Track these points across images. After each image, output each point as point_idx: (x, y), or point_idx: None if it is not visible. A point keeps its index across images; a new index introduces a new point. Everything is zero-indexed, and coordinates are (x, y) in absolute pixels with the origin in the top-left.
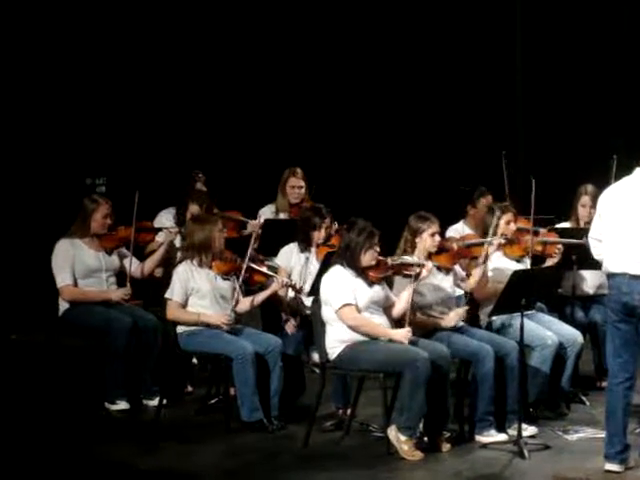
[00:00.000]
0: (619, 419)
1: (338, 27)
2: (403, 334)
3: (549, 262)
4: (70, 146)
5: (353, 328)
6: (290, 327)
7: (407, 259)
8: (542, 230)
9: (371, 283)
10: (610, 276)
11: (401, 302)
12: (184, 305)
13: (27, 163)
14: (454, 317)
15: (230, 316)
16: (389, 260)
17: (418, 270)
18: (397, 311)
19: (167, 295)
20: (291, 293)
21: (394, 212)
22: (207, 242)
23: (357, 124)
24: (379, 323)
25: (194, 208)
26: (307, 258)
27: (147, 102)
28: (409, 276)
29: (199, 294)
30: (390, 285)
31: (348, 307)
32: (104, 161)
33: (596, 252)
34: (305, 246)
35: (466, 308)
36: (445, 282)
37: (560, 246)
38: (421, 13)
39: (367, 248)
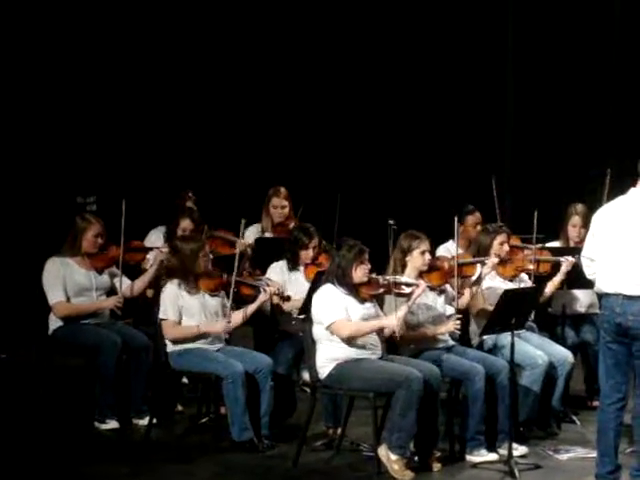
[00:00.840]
0: (610, 439)
1: (325, 49)
2: (392, 322)
3: (556, 279)
4: (61, 164)
5: (350, 338)
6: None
7: (401, 279)
8: (532, 247)
9: (362, 300)
10: (603, 296)
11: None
12: (179, 323)
13: (18, 181)
14: (447, 326)
15: (228, 323)
16: (381, 279)
17: (410, 290)
18: (387, 329)
19: (161, 316)
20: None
21: (384, 231)
22: (189, 267)
23: (346, 144)
24: (370, 339)
25: (186, 223)
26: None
27: (137, 121)
28: (401, 295)
29: (189, 312)
30: (381, 304)
31: (339, 321)
32: (95, 180)
33: (589, 272)
34: (293, 265)
35: (458, 318)
36: (436, 301)
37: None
38: (413, 35)
39: (358, 264)
